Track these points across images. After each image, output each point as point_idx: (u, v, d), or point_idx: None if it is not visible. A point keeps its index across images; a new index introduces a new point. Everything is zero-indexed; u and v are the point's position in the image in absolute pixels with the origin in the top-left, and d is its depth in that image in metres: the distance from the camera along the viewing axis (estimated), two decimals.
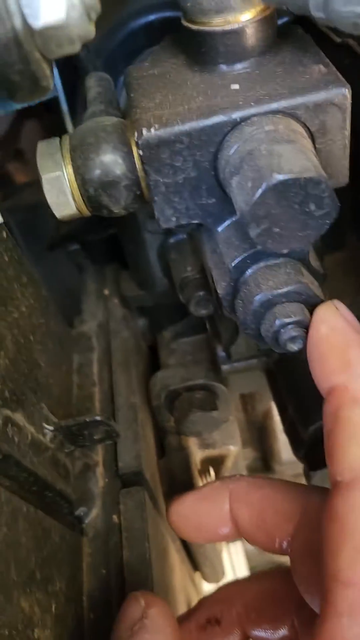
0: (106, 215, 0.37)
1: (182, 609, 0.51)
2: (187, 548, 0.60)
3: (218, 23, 0.33)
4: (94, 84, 0.43)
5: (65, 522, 0.39)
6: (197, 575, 0.69)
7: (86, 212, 0.36)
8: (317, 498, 0.34)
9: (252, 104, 0.31)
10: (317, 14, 0.28)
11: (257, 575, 0.41)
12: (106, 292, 0.58)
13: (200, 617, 0.38)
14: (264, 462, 0.74)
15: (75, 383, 0.49)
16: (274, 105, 0.31)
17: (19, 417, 0.34)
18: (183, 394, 0.51)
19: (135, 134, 0.32)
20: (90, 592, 0.39)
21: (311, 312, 0.34)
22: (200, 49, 0.34)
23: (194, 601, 0.44)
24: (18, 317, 0.37)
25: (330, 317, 0.31)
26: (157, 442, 0.56)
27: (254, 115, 0.31)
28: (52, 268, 0.63)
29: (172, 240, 0.49)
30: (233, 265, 0.34)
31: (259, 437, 0.70)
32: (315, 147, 0.33)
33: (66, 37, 0.25)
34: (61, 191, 0.35)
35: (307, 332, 0.33)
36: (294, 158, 0.29)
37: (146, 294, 0.54)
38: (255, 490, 0.36)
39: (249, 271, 0.34)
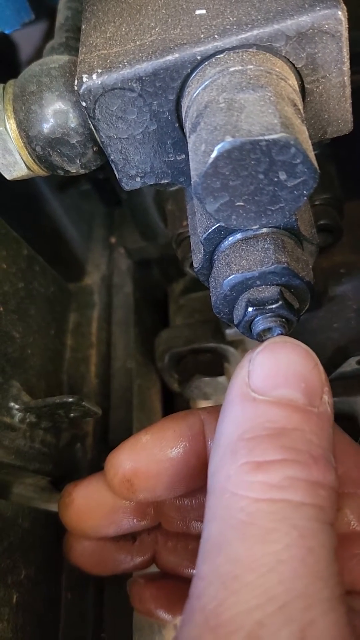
0: (64, 176, 0.32)
1: None
2: None
3: None
4: (63, 6, 0.36)
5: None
6: None
7: (41, 172, 0.32)
8: None
9: (216, 36, 0.25)
10: None
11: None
12: (112, 240, 0.53)
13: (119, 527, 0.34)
14: None
15: (68, 346, 0.46)
16: (243, 37, 0.24)
17: None
18: (188, 356, 0.47)
19: (76, 81, 0.26)
20: (69, 572, 0.38)
21: (295, 295, 0.28)
22: None
23: None
24: None
25: None
26: (167, 402, 0.53)
27: (220, 51, 0.25)
28: (64, 211, 0.59)
29: (169, 188, 0.43)
30: (204, 237, 0.29)
31: None
32: (304, 89, 0.26)
33: None
34: (6, 150, 0.30)
35: (286, 321, 0.28)
36: (257, 112, 0.22)
37: (149, 245, 0.49)
38: None
39: (223, 244, 0.29)
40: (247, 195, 0.23)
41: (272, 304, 0.27)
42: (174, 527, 0.35)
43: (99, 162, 0.31)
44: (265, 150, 0.22)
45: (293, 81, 0.25)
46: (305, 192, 0.23)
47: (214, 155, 0.22)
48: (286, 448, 0.23)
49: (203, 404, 0.53)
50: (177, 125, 0.27)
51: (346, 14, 0.24)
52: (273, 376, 0.25)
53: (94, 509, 0.34)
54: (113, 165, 0.29)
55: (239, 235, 0.28)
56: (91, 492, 0.34)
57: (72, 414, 0.37)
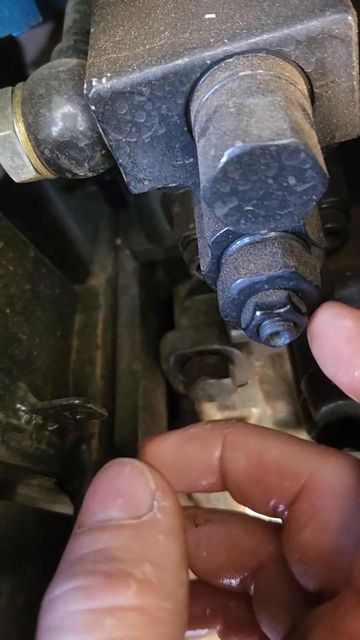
0: (72, 178, 0.32)
1: None
2: None
3: None
4: (71, 8, 0.36)
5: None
6: None
7: (49, 175, 0.32)
8: (331, 459, 0.29)
9: (226, 40, 0.25)
10: None
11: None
12: (118, 241, 0.54)
13: None
14: (298, 417, 0.70)
15: (74, 347, 0.46)
16: (253, 41, 0.24)
17: None
18: (193, 358, 0.47)
19: (85, 85, 0.26)
20: None
21: (303, 299, 0.28)
22: None
23: None
24: None
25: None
26: (172, 403, 0.53)
27: (229, 55, 0.25)
28: (70, 212, 0.59)
29: (177, 191, 0.43)
30: (212, 240, 0.29)
31: (289, 391, 0.66)
32: (313, 94, 0.26)
33: None
34: (15, 153, 0.30)
35: (294, 325, 0.28)
36: (267, 117, 0.22)
37: (155, 247, 0.49)
38: (257, 439, 0.30)
39: (231, 248, 0.29)
40: (256, 199, 0.23)
41: (280, 308, 0.27)
42: None
43: (107, 165, 0.31)
44: (275, 155, 0.22)
45: (302, 86, 0.25)
46: (314, 196, 0.23)
47: (223, 160, 0.22)
48: (75, 575, 0.21)
49: (208, 405, 0.53)
50: (185, 129, 0.27)
51: (356, 18, 0.24)
52: (92, 503, 0.24)
53: None
54: (121, 169, 0.29)
55: (247, 239, 0.28)
56: None
57: (78, 416, 0.37)
